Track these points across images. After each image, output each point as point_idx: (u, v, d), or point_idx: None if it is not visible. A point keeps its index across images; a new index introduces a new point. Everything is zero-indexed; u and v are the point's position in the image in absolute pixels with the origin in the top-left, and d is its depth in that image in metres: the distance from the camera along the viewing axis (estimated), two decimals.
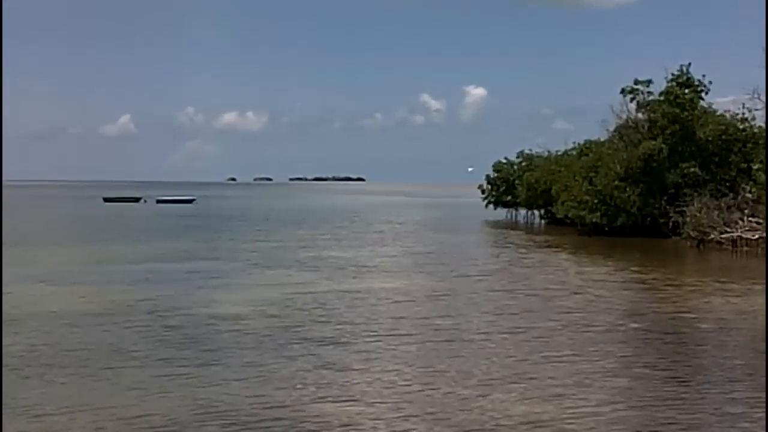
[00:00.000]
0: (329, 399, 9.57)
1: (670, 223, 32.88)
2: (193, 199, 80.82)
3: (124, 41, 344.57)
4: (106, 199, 79.24)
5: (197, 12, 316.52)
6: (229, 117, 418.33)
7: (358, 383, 10.34)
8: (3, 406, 9.08)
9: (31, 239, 34.21)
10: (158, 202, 76.73)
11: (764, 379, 10.29)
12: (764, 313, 14.90)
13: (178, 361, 11.43)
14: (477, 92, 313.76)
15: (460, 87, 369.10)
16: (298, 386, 10.09)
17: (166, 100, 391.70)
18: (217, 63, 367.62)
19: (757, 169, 30.14)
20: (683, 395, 9.84)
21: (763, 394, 9.58)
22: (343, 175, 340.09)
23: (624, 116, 38.29)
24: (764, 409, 9.03)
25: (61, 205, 74.36)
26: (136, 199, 79.42)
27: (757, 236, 28.71)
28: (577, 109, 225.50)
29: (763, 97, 31.78)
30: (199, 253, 27.50)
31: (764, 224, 28.37)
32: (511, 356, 11.86)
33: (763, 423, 8.66)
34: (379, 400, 9.55)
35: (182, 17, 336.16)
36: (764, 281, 18.67)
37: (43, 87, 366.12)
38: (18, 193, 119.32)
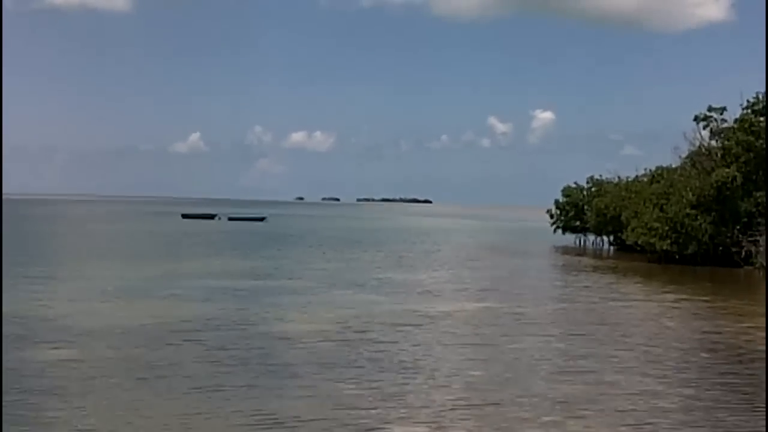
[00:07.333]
0: (394, 421, 9.77)
1: (743, 253, 32.48)
2: (264, 218, 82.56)
3: (193, 61, 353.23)
4: (184, 216, 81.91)
5: (266, 32, 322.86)
6: (298, 137, 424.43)
7: (424, 405, 10.54)
8: (58, 419, 9.53)
9: (118, 253, 35.84)
10: (230, 219, 78.79)
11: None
12: None
13: (240, 377, 11.76)
14: (544, 116, 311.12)
15: (528, 111, 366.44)
16: (362, 406, 10.32)
17: (235, 119, 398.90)
18: (285, 83, 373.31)
19: None
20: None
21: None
22: (410, 197, 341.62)
23: (696, 143, 38.07)
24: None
25: (143, 221, 77.03)
26: (212, 216, 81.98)
27: None
28: (647, 135, 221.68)
29: None
30: (270, 271, 28.21)
31: None
32: (579, 385, 11.94)
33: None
34: (445, 424, 9.76)
35: (251, 38, 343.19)
36: None
37: (117, 104, 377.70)
38: (99, 208, 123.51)
